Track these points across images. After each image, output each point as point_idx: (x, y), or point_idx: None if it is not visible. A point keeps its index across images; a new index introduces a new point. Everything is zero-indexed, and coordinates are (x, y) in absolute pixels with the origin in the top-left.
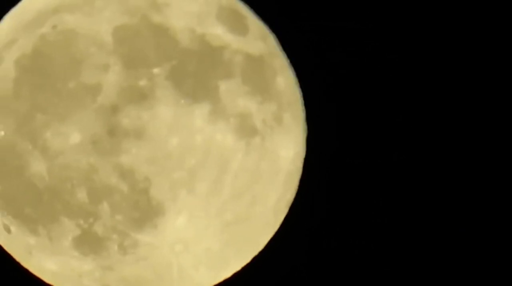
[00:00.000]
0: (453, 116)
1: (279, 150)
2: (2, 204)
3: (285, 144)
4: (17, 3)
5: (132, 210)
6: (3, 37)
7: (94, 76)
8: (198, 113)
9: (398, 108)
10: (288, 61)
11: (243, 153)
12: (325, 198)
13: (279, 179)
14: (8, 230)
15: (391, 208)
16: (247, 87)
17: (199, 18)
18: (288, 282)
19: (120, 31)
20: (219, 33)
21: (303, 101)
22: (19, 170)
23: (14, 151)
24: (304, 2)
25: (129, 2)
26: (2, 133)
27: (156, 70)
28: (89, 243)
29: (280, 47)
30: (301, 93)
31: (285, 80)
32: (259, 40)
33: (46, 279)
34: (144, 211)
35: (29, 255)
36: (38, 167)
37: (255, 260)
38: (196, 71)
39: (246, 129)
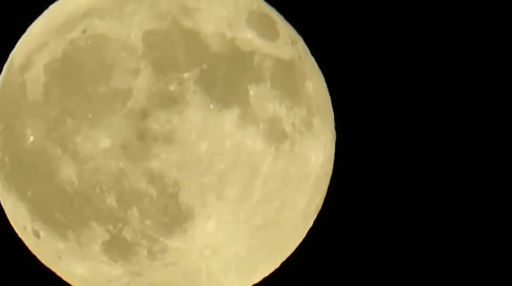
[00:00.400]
0: (486, 118)
1: (308, 155)
2: (32, 209)
3: (314, 149)
4: (47, 8)
5: (162, 215)
6: (33, 42)
7: (124, 81)
8: (227, 118)
9: (429, 112)
10: (317, 65)
11: (272, 157)
12: (354, 202)
13: (308, 184)
14: (37, 235)
15: (421, 213)
16: (277, 92)
17: (229, 23)
18: None
19: (150, 36)
20: (249, 37)
21: (332, 106)
22: (48, 175)
23: (44, 156)
24: (333, 6)
25: (160, 7)
26: (32, 138)
27: (186, 75)
28: (118, 248)
29: (309, 51)
30: (330, 97)
31: (314, 84)
32: (288, 44)
33: (75, 284)
34: (174, 216)
35: (58, 260)
36: (68, 171)
37: (284, 265)
38: (226, 76)
39: (275, 134)
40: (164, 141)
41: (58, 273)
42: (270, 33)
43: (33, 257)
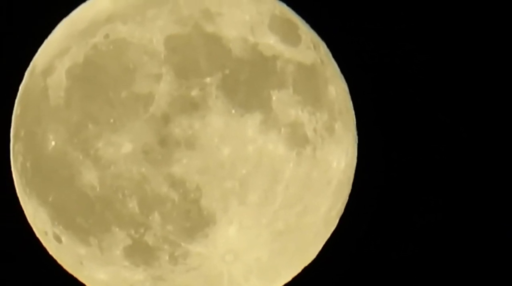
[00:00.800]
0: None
1: (330, 160)
2: (53, 214)
3: (336, 154)
4: (70, 13)
5: (183, 220)
6: (55, 46)
7: (146, 85)
8: (249, 123)
9: (453, 116)
10: (339, 69)
11: (294, 162)
12: (376, 207)
13: (330, 189)
14: (59, 240)
15: (444, 216)
16: (299, 97)
17: (252, 28)
18: None
19: (172, 41)
20: (271, 42)
21: (354, 110)
22: (70, 180)
23: (65, 161)
24: (356, 9)
25: (182, 12)
26: (53, 143)
27: (208, 80)
28: (140, 253)
29: (331, 56)
30: (352, 102)
31: (336, 89)
32: (310, 49)
33: None
34: (195, 221)
35: (80, 265)
36: (89, 176)
37: (305, 270)
38: (248, 81)
39: (297, 139)
40: (186, 146)
41: (80, 279)
42: (292, 38)
43: (55, 262)
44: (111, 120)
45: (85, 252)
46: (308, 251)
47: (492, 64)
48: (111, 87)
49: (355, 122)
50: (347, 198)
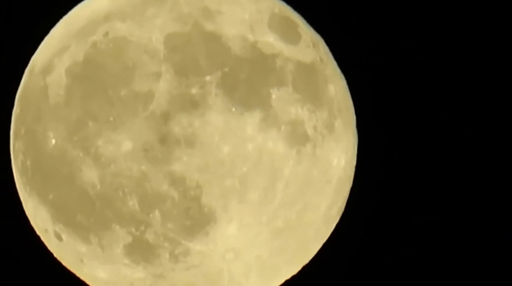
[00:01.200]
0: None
1: (330, 157)
2: (53, 212)
3: (336, 152)
4: (69, 11)
5: (184, 218)
6: (54, 45)
7: (145, 84)
8: (249, 121)
9: (453, 114)
10: (339, 68)
11: (294, 160)
12: (376, 205)
13: (330, 187)
14: (60, 238)
15: (444, 216)
16: (298, 95)
17: (251, 26)
18: None
19: (172, 39)
20: (271, 40)
21: (354, 108)
22: (70, 178)
23: (65, 159)
24: (355, 8)
25: (181, 10)
26: (53, 141)
27: (208, 78)
28: (140, 251)
29: (331, 54)
30: (352, 100)
31: (336, 87)
32: (310, 47)
33: None
34: (196, 219)
35: (80, 263)
36: (89, 174)
37: (306, 268)
38: (248, 79)
39: (297, 137)
40: (186, 144)
41: (80, 276)
42: (292, 36)
43: (55, 260)
44: (111, 119)
45: (85, 249)
46: (308, 249)
47: (492, 64)
48: (110, 86)
49: (355, 120)
50: (348, 195)
